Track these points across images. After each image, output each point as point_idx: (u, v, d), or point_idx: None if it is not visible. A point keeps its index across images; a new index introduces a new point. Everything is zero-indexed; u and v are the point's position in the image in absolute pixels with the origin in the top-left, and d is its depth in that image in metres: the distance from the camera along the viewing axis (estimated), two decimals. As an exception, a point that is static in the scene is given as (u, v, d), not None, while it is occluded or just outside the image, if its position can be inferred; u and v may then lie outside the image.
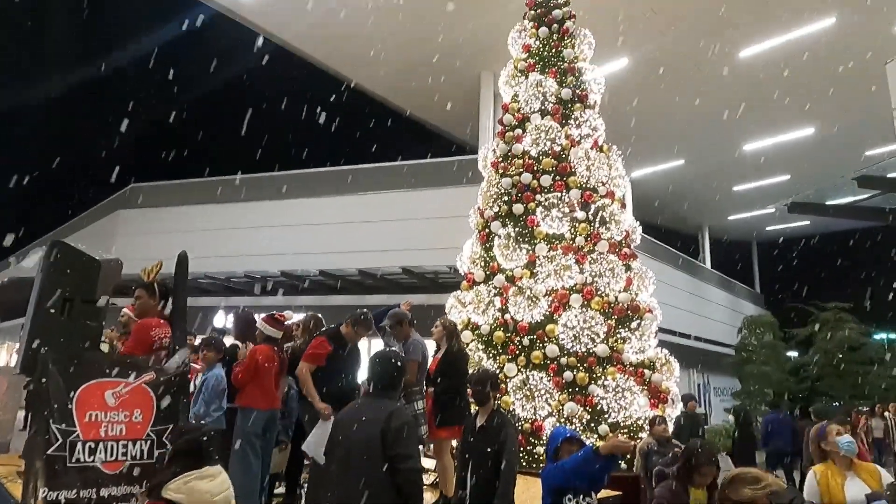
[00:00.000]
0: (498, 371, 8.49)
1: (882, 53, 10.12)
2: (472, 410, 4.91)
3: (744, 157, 21.63)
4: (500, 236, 9.27)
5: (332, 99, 20.72)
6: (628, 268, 9.12)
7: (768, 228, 31.49)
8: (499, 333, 8.76)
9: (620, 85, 15.53)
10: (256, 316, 5.52)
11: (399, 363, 3.44)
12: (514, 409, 8.08)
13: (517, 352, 8.55)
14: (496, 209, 9.57)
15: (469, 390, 4.45)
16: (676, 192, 24.56)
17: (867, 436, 11.37)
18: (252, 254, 16.10)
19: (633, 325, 8.68)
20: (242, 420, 4.87)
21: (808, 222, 28.45)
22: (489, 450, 3.77)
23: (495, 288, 9.13)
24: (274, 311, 5.33)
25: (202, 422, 4.79)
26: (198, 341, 6.42)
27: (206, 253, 15.81)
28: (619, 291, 8.84)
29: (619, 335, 8.55)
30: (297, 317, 6.06)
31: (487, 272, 9.40)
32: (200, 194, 18.18)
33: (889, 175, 8.42)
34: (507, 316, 8.85)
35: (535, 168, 9.43)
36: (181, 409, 3.52)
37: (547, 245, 8.98)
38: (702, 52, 15.83)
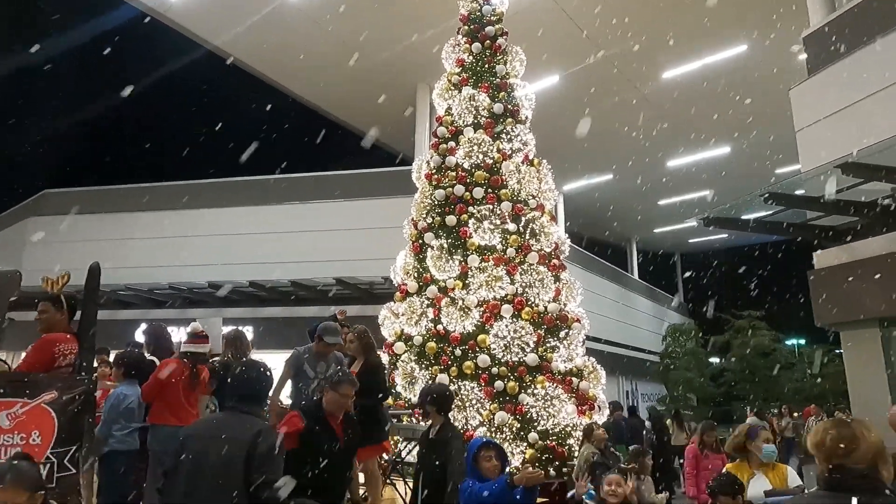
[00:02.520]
0: (430, 381, 8.50)
1: (789, 80, 10.87)
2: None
3: (668, 173, 22.75)
4: (433, 247, 9.32)
5: (267, 108, 20.31)
6: (557, 279, 9.37)
7: (691, 241, 33.15)
8: (431, 344, 8.77)
9: (551, 102, 16.00)
10: (176, 329, 5.31)
11: (267, 373, 3.08)
12: (445, 420, 8.09)
13: (449, 362, 8.59)
14: (429, 220, 9.61)
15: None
16: (606, 205, 25.49)
17: (775, 436, 12.10)
18: (177, 264, 15.43)
19: (562, 334, 8.90)
20: (151, 437, 4.66)
21: (726, 235, 30.16)
22: (437, 462, 3.83)
23: (428, 299, 9.15)
24: (197, 322, 5.13)
25: (108, 442, 4.54)
26: (112, 357, 6.09)
27: (128, 263, 15.05)
28: (549, 301, 9.05)
29: (548, 344, 8.74)
30: (224, 329, 5.85)
31: (420, 283, 9.42)
32: (120, 202, 17.29)
33: (796, 192, 9.05)
34: (439, 327, 8.88)
35: (468, 180, 9.55)
36: (86, 430, 3.32)
37: (479, 256, 9.10)
38: (628, 73, 16.61)
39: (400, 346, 9.08)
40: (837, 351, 20.60)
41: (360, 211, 15.09)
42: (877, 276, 8.80)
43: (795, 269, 10.50)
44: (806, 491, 3.59)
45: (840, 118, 8.87)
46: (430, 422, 4.30)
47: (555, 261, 9.55)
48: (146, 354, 5.29)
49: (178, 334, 6.02)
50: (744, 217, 10.35)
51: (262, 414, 3.07)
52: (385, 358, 9.21)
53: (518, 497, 3.17)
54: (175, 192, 16.84)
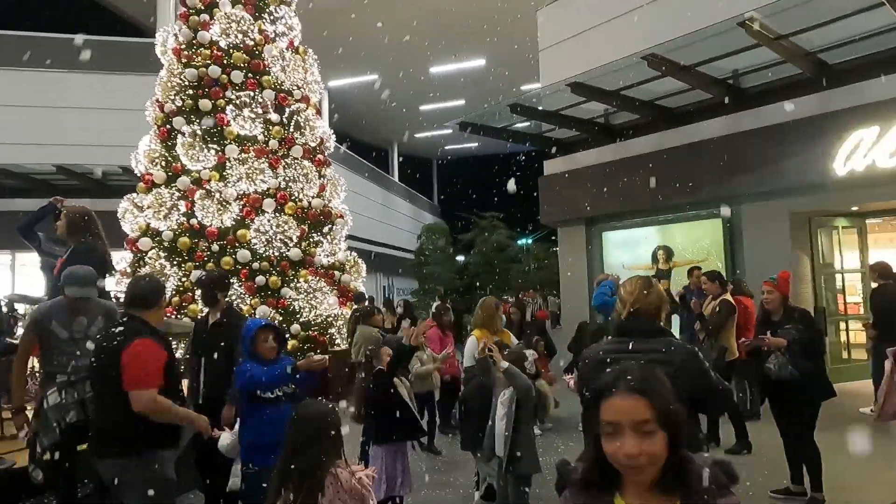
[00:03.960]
0: (184, 279, 7.98)
1: (542, 2, 11.83)
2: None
3: (430, 80, 23.54)
4: (184, 134, 8.42)
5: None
6: (321, 174, 9.31)
7: (447, 147, 35.44)
8: (184, 239, 8.15)
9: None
10: None
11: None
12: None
13: (206, 258, 8.12)
14: (179, 103, 8.59)
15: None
16: (371, 107, 25.56)
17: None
18: None
19: (326, 229, 9.02)
20: None
21: (477, 144, 32.90)
22: (223, 344, 3.80)
23: (179, 191, 8.37)
24: None
25: None
26: None
27: None
28: (313, 197, 9.01)
29: (311, 239, 8.79)
30: None
31: (170, 173, 8.51)
32: None
33: (538, 108, 10.18)
34: (193, 221, 8.25)
35: (225, 62, 8.68)
36: None
37: (238, 146, 8.52)
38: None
39: (146, 242, 8.24)
40: (553, 249, 24.82)
41: (86, 85, 12.63)
42: (586, 183, 10.63)
43: (531, 177, 12.03)
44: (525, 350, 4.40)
45: (576, 42, 10.13)
46: (207, 310, 4.18)
47: (319, 156, 9.44)
48: None
49: None
50: (493, 126, 11.37)
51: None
52: (128, 255, 8.33)
53: (298, 379, 3.28)
54: None
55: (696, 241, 9.65)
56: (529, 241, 31.85)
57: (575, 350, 6.61)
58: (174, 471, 2.74)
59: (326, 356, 3.65)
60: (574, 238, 11.36)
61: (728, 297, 5.86)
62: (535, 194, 11.86)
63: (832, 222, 8.71)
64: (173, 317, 7.51)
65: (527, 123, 11.13)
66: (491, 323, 4.70)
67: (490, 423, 3.75)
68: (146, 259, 8.07)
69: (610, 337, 2.50)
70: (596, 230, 11.03)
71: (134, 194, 8.60)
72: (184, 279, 8.01)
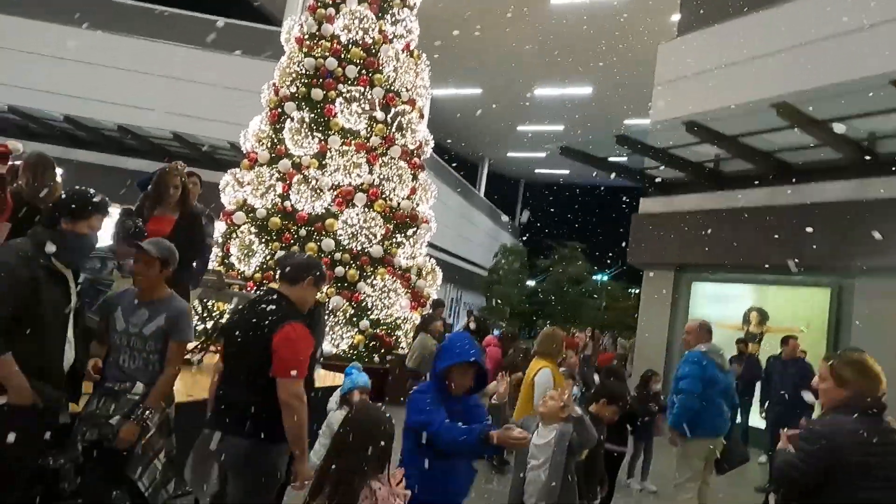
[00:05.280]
0: (270, 258, 8.21)
1: (661, 36, 11.46)
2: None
3: (532, 100, 23.41)
4: (293, 119, 8.70)
5: None
6: (415, 177, 9.36)
7: (537, 171, 35.12)
8: (275, 219, 8.40)
9: (436, 1, 15.30)
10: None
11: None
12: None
13: (292, 241, 8.33)
14: (293, 89, 8.91)
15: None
16: (468, 119, 25.71)
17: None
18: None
19: (410, 232, 9.03)
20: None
21: (567, 172, 32.37)
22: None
23: (279, 172, 8.65)
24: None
25: None
26: None
27: None
28: (403, 198, 9.06)
29: (394, 239, 8.83)
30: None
31: (273, 154, 8.82)
32: None
33: (646, 143, 9.79)
34: (287, 203, 8.49)
35: (343, 56, 8.93)
36: None
37: (341, 138, 8.71)
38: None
39: (240, 216, 8.56)
40: (630, 290, 23.86)
41: (213, 64, 13.40)
42: (683, 227, 10.08)
43: (620, 214, 11.62)
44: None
45: (695, 81, 9.67)
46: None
47: (416, 159, 9.50)
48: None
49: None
50: (594, 155, 11.05)
51: None
52: (222, 226, 8.67)
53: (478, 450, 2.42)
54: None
55: (796, 309, 8.91)
56: (605, 277, 30.97)
57: (633, 400, 5.48)
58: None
59: (528, 436, 2.52)
60: (661, 283, 10.80)
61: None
62: (620, 230, 11.42)
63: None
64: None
65: (625, 158, 10.77)
66: (559, 354, 4.48)
67: (521, 473, 2.98)
68: (238, 233, 8.37)
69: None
70: (685, 278, 10.45)
71: (237, 169, 8.97)
72: (268, 258, 8.23)
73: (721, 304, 9.91)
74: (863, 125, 7.71)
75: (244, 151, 9.20)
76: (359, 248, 8.44)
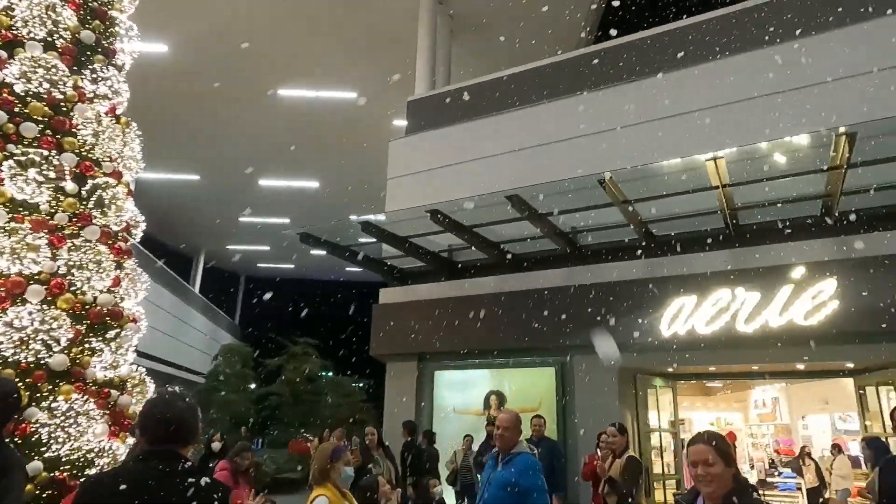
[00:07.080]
0: None
1: (390, 135, 11.96)
2: None
3: (257, 191, 22.41)
4: (-73, 183, 6.25)
5: None
6: (119, 265, 7.51)
7: (259, 265, 33.44)
8: None
9: (155, 71, 13.79)
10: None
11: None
12: None
13: (-88, 356, 5.70)
14: (-68, 144, 6.49)
15: None
16: (184, 206, 23.34)
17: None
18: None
19: (111, 334, 7.06)
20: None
21: (292, 266, 31.52)
22: None
23: None
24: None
25: None
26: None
27: None
28: (102, 291, 7.11)
29: (88, 344, 6.77)
30: None
31: None
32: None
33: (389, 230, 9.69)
34: None
35: (17, 109, 6.92)
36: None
37: (9, 213, 6.54)
38: (247, 75, 15.73)
39: None
40: (356, 385, 23.34)
41: None
42: (421, 317, 10.14)
43: (356, 306, 11.26)
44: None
45: (427, 175, 10.13)
46: None
47: (121, 244, 7.67)
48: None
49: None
50: (337, 243, 10.61)
51: None
52: None
53: None
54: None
55: (529, 388, 9.47)
56: (330, 373, 30.13)
57: None
58: None
59: None
60: (404, 373, 10.56)
61: (633, 452, 5.46)
62: (352, 324, 11.03)
63: (652, 381, 9.17)
64: None
65: (367, 244, 10.60)
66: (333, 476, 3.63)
67: None
68: None
69: None
70: (429, 367, 10.40)
71: None
72: None
73: (463, 391, 10.04)
74: (569, 220, 8.88)
75: None
76: (31, 359, 6.19)
